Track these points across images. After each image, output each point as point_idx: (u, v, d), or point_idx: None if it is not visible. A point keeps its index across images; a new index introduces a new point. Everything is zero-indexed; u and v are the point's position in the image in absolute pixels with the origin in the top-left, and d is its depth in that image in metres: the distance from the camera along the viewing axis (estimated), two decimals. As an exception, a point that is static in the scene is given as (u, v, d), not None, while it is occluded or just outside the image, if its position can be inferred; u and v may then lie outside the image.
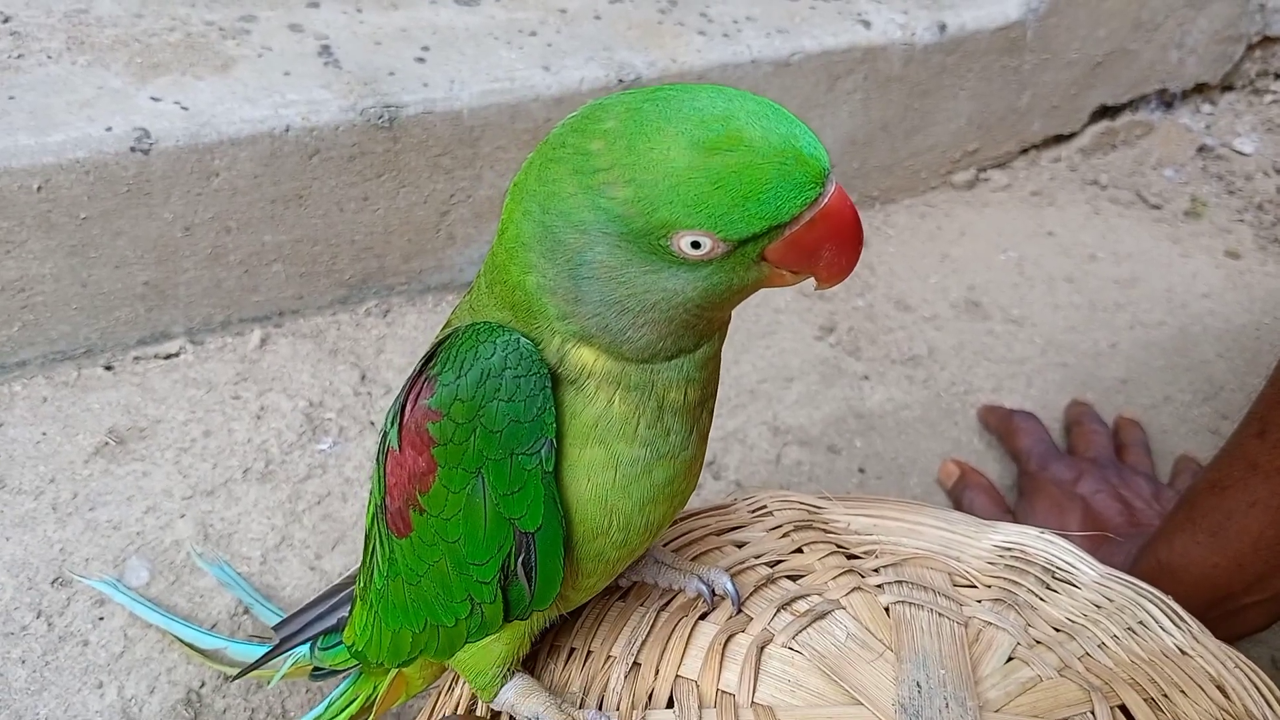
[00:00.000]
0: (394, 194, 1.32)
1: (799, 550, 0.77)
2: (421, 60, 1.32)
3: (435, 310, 1.42)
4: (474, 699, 0.73)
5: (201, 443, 1.20)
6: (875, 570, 0.75)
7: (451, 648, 0.66)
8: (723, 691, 0.66)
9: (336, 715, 0.84)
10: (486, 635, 0.65)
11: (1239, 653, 0.75)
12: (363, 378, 1.31)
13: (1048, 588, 0.76)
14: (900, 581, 0.74)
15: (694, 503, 0.87)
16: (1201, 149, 1.98)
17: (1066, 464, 1.24)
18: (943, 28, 1.59)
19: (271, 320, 1.35)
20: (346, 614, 0.80)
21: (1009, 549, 0.78)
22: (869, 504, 0.82)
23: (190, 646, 0.99)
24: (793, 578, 0.75)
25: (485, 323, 0.58)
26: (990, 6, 1.65)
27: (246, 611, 1.06)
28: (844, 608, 0.71)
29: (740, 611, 0.72)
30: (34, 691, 0.97)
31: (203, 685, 1.00)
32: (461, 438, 0.57)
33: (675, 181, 0.49)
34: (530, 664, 0.72)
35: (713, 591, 0.73)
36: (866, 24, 1.56)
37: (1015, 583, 0.76)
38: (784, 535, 0.78)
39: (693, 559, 0.77)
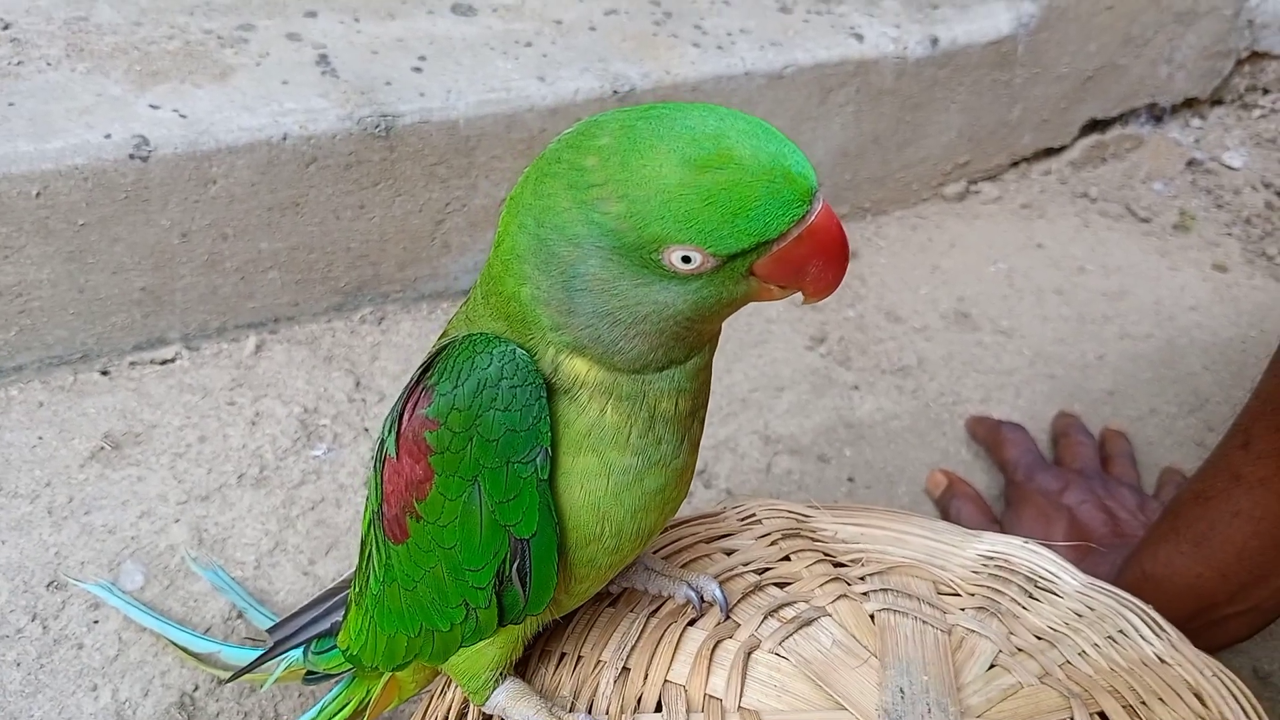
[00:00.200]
0: (390, 202, 1.33)
1: (787, 558, 0.79)
2: (418, 70, 1.34)
3: (430, 318, 1.43)
4: (465, 703, 0.74)
5: (196, 448, 1.21)
6: (861, 578, 0.77)
7: (446, 652, 0.67)
8: (710, 696, 0.67)
9: (330, 719, 0.85)
10: (481, 639, 0.67)
11: (1218, 662, 0.76)
12: (357, 384, 1.32)
13: (1030, 597, 0.77)
14: (885, 589, 0.75)
15: (685, 511, 0.88)
16: (1191, 163, 2.00)
17: (1053, 475, 1.25)
18: (934, 41, 1.61)
19: (267, 327, 1.36)
20: (340, 619, 0.81)
21: (993, 558, 0.80)
22: (856, 513, 0.83)
23: (184, 650, 1.00)
24: (780, 585, 0.76)
25: (481, 334, 0.59)
26: (982, 21, 1.67)
27: (240, 616, 1.07)
28: (830, 615, 0.73)
29: (728, 618, 0.73)
30: (29, 694, 0.98)
31: (196, 689, 1.01)
32: (458, 446, 0.58)
33: (667, 198, 0.51)
34: (522, 669, 0.73)
35: (701, 598, 0.74)
36: (859, 37, 1.57)
37: (998, 591, 0.77)
38: (772, 543, 0.80)
39: (682, 566, 0.78)
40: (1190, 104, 2.06)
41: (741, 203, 0.51)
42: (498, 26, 1.45)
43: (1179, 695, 0.70)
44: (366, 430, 1.27)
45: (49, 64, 1.25)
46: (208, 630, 1.05)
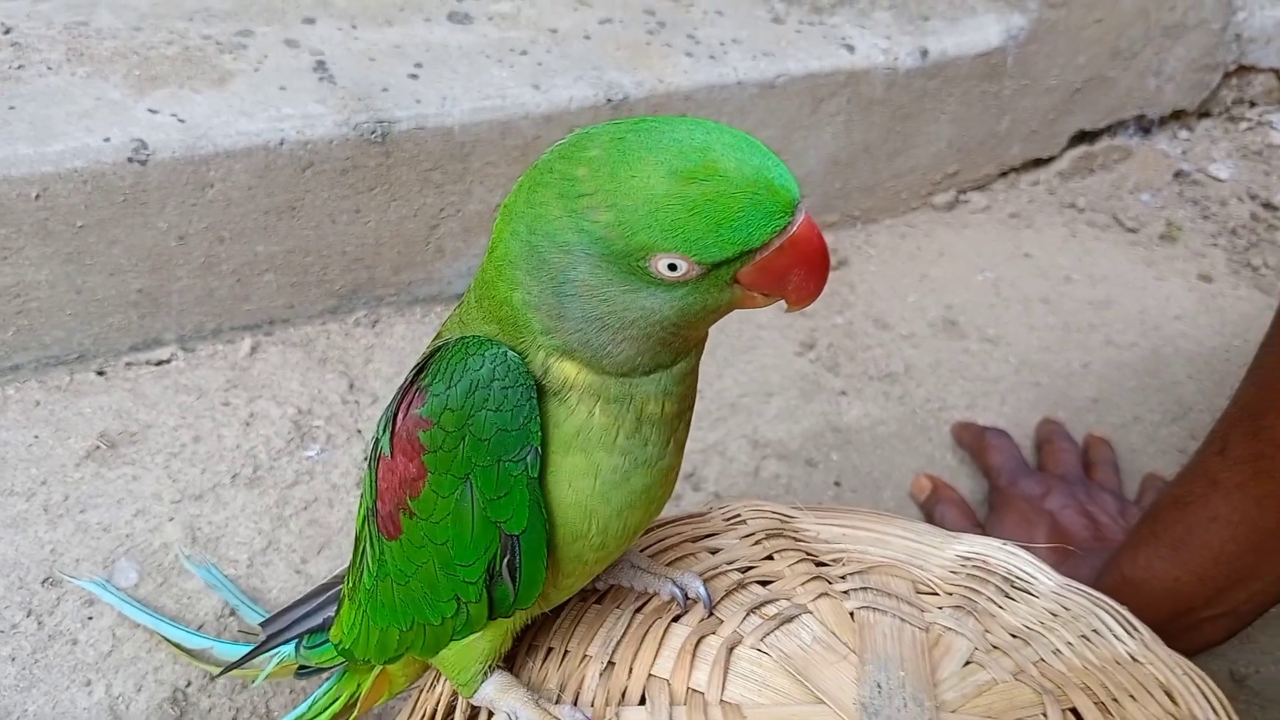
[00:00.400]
0: (385, 207, 1.35)
1: (770, 557, 0.80)
2: (414, 77, 1.36)
3: (423, 321, 1.45)
4: (454, 697, 0.75)
5: (191, 448, 1.22)
6: (842, 577, 0.78)
7: (437, 645, 0.69)
8: (693, 690, 0.69)
9: (320, 713, 0.86)
10: (471, 633, 0.68)
11: (1189, 661, 0.78)
12: (351, 386, 1.33)
13: (1007, 596, 0.79)
14: (865, 588, 0.77)
15: (672, 511, 0.90)
16: (1178, 174, 2.02)
17: (1036, 480, 1.27)
18: (924, 53, 1.63)
19: (262, 329, 1.37)
20: (332, 614, 0.82)
21: (970, 559, 0.82)
22: (838, 514, 0.85)
23: (177, 646, 1.01)
24: (763, 583, 0.78)
25: (474, 336, 0.61)
26: (971, 33, 1.69)
27: (233, 613, 1.08)
28: (811, 612, 0.74)
29: (712, 614, 0.75)
30: (23, 688, 0.99)
31: (189, 684, 1.02)
32: (451, 445, 0.60)
33: (654, 207, 0.52)
34: (510, 662, 0.75)
35: (686, 595, 0.76)
36: (850, 48, 1.59)
37: (976, 591, 0.79)
38: (756, 543, 0.82)
39: (668, 564, 0.80)
40: (1178, 116, 2.09)
41: (726, 213, 0.53)
42: (493, 34, 1.46)
43: (1150, 693, 0.72)
44: (359, 432, 1.28)
45: (49, 68, 1.26)
46: (201, 627, 1.06)
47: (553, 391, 0.61)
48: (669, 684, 0.69)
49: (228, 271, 1.30)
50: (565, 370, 0.60)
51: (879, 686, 0.68)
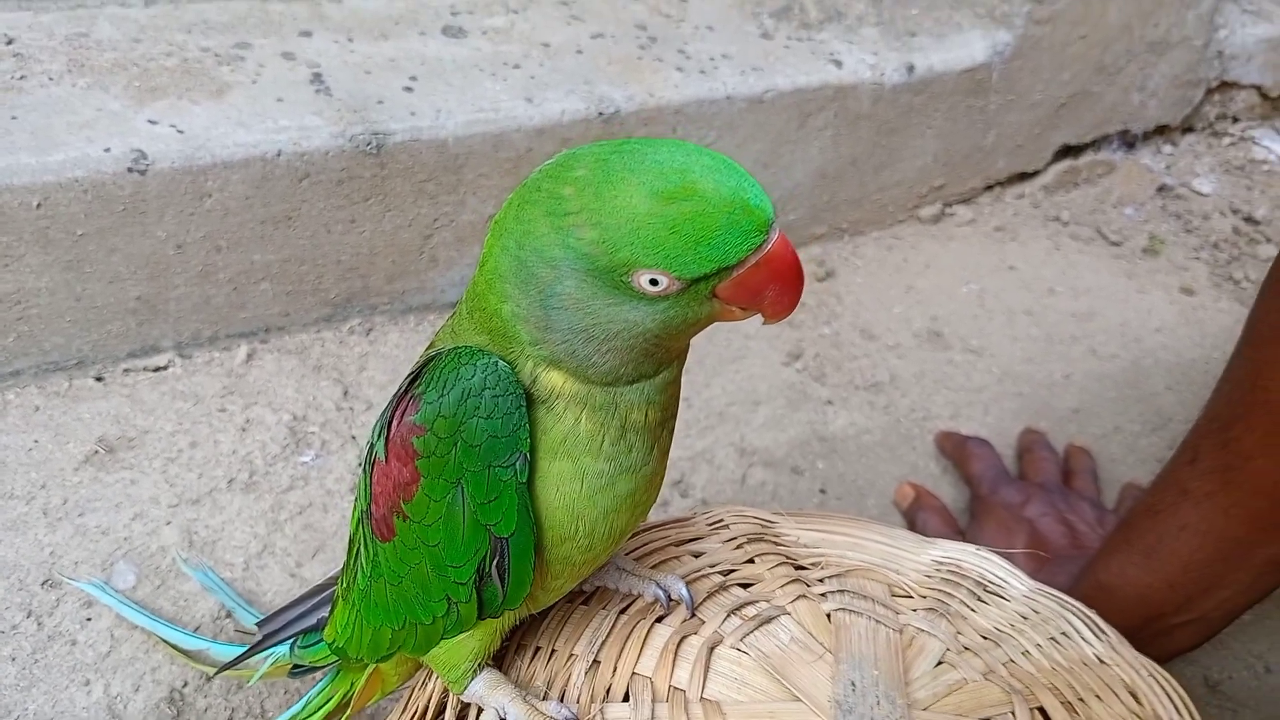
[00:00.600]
0: (380, 217, 1.37)
1: (751, 561, 0.83)
2: (409, 90, 1.38)
3: (417, 330, 1.47)
4: (444, 695, 0.78)
5: (188, 453, 1.25)
6: (820, 580, 0.81)
7: (428, 644, 0.72)
8: (675, 688, 0.71)
9: (315, 712, 0.88)
10: (461, 632, 0.71)
11: (1154, 663, 0.81)
12: (345, 393, 1.36)
13: (979, 600, 0.82)
14: (842, 591, 0.80)
15: (659, 516, 0.93)
16: (1161, 188, 2.05)
17: (1016, 488, 1.30)
18: (911, 69, 1.66)
19: (258, 336, 1.40)
20: (325, 615, 0.85)
21: (944, 563, 0.84)
22: (818, 519, 0.88)
23: (174, 647, 1.03)
24: (744, 585, 0.81)
25: (466, 347, 0.63)
26: (957, 49, 1.72)
27: (229, 615, 1.10)
28: (789, 613, 0.77)
29: (694, 615, 0.77)
30: (23, 688, 1.02)
31: (185, 685, 1.04)
32: (443, 451, 0.62)
33: (636, 226, 0.55)
34: (499, 661, 0.77)
35: (669, 597, 0.78)
36: (838, 64, 1.62)
37: (949, 594, 0.81)
38: (738, 547, 0.84)
39: (652, 567, 0.82)
40: (1162, 131, 2.12)
41: (704, 232, 0.55)
42: (487, 48, 1.49)
43: (1115, 693, 0.75)
44: (353, 438, 1.31)
45: (51, 79, 1.28)
46: (197, 629, 1.08)
47: (541, 400, 0.63)
48: (652, 682, 0.72)
49: (225, 280, 1.33)
50: (553, 379, 0.63)
51: (853, 685, 0.70)
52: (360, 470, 0.71)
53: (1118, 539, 1.07)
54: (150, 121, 1.25)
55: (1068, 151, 1.99)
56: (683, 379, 0.69)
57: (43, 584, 1.09)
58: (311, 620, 0.87)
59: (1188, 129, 2.16)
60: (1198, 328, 1.75)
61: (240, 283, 1.34)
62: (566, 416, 0.64)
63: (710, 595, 0.79)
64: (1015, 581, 0.84)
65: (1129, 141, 2.07)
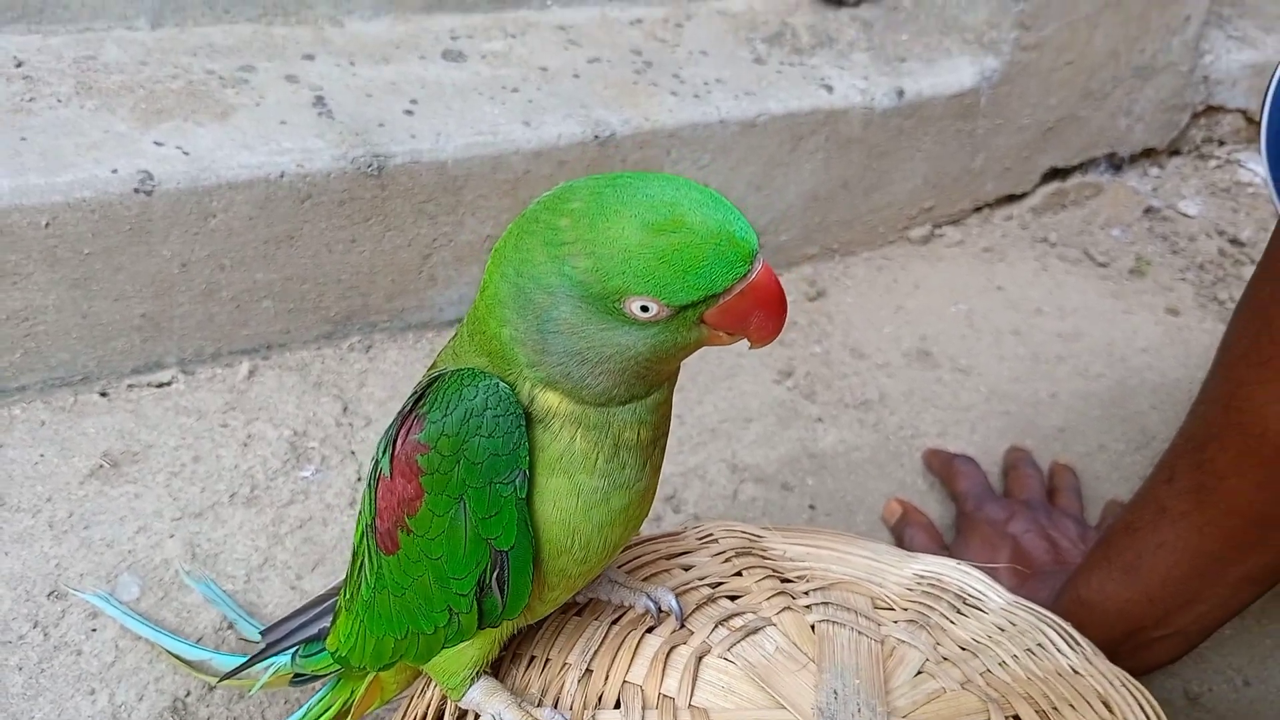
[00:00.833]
0: (380, 237, 1.40)
1: (739, 574, 0.86)
2: (410, 113, 1.41)
3: (415, 347, 1.50)
4: (443, 702, 0.80)
5: (191, 467, 1.27)
6: (805, 593, 0.84)
7: (429, 652, 0.75)
8: (664, 695, 0.74)
9: (316, 719, 0.91)
10: (461, 641, 0.74)
11: (1127, 674, 0.84)
12: (345, 410, 1.39)
13: (958, 612, 0.85)
14: (826, 603, 0.82)
15: (651, 531, 0.96)
16: (1148, 210, 2.09)
17: (1000, 505, 1.33)
18: (900, 93, 1.69)
19: (260, 353, 1.42)
20: (327, 625, 0.88)
21: (926, 577, 0.87)
22: (804, 534, 0.91)
23: (177, 658, 1.05)
24: (731, 598, 0.84)
25: (469, 369, 0.67)
26: (946, 75, 1.76)
27: (230, 626, 1.12)
28: (774, 624, 0.80)
29: (683, 626, 0.80)
30: (30, 696, 1.04)
31: (188, 694, 1.07)
32: (447, 468, 0.66)
33: (628, 256, 0.59)
34: (495, 670, 0.80)
35: (659, 608, 0.81)
36: (829, 89, 1.66)
37: (929, 607, 0.84)
38: (726, 560, 0.87)
39: (644, 580, 0.85)
40: (1148, 154, 2.15)
41: (691, 261, 0.59)
42: (486, 73, 1.52)
43: (1088, 703, 0.78)
44: (353, 453, 1.33)
45: (59, 101, 1.31)
46: (199, 640, 1.11)
47: (538, 419, 0.67)
48: (642, 690, 0.75)
49: (228, 298, 1.35)
50: (549, 400, 0.66)
51: (835, 693, 0.73)
52: (365, 486, 0.74)
53: (1098, 555, 1.10)
54: (156, 143, 1.27)
55: (1055, 174, 2.02)
56: (675, 396, 0.72)
57: (49, 595, 1.12)
58: (313, 630, 0.90)
59: (1174, 152, 2.20)
60: (1183, 348, 1.78)
61: (243, 301, 1.37)
62: (562, 435, 0.67)
63: (699, 607, 0.82)
64: (994, 595, 0.87)
65: (1116, 164, 2.11)
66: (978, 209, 1.96)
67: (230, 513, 1.23)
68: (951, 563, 0.90)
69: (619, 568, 0.87)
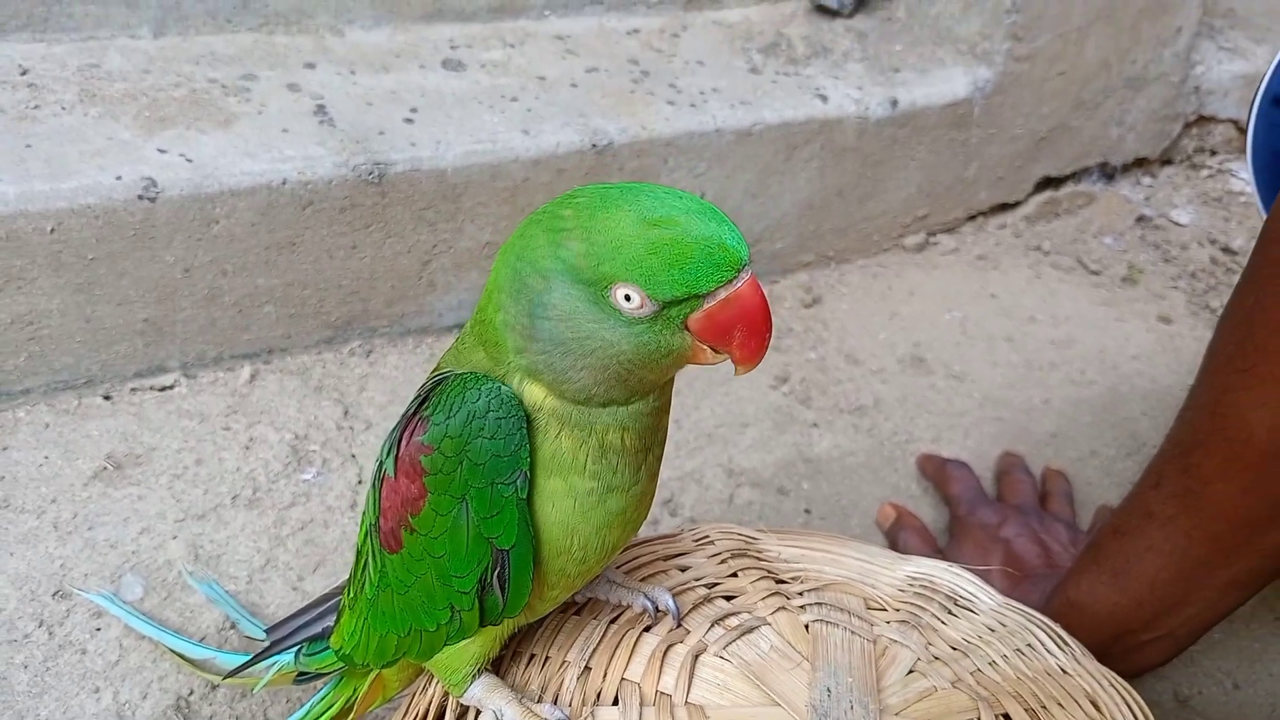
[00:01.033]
0: (380, 244, 1.42)
1: (734, 575, 0.88)
2: (410, 121, 1.43)
3: (415, 352, 1.52)
4: (444, 699, 0.82)
5: (194, 470, 1.29)
6: (800, 593, 0.86)
7: (432, 650, 0.76)
8: (661, 693, 0.76)
9: (319, 716, 0.92)
10: (463, 638, 0.76)
11: (1115, 674, 0.85)
12: (345, 413, 1.40)
13: (949, 613, 0.87)
14: (820, 603, 0.84)
15: (649, 533, 0.97)
16: (1140, 219, 2.10)
17: (993, 510, 1.34)
18: (894, 103, 1.71)
19: (261, 357, 1.44)
20: (330, 624, 0.89)
21: (918, 579, 0.89)
22: (799, 536, 0.93)
23: (180, 656, 1.07)
24: (727, 598, 0.86)
25: (472, 373, 0.68)
26: (940, 85, 1.78)
27: (233, 626, 1.14)
28: (769, 624, 0.82)
29: (680, 625, 0.82)
30: (35, 695, 1.05)
31: (191, 693, 1.08)
32: (450, 469, 0.67)
33: (620, 243, 0.61)
34: (496, 667, 0.82)
35: (656, 608, 0.83)
36: (824, 98, 1.68)
37: (921, 607, 0.86)
38: (722, 561, 0.89)
39: (641, 580, 0.87)
40: (1141, 163, 2.17)
41: (679, 257, 0.61)
42: (485, 82, 1.54)
43: (1077, 702, 0.79)
44: (353, 456, 1.35)
45: (63, 108, 1.32)
46: (203, 639, 1.12)
47: (527, 415, 0.68)
48: (640, 687, 0.76)
49: (230, 303, 1.37)
50: (534, 393, 0.68)
51: (829, 691, 0.75)
52: (369, 486, 0.76)
53: (1087, 559, 1.12)
54: (160, 150, 1.29)
55: (1048, 183, 2.04)
56: (674, 401, 0.74)
57: (54, 595, 1.13)
58: (316, 629, 0.92)
59: (1166, 161, 2.22)
60: (1174, 355, 1.80)
61: (245, 306, 1.38)
62: (549, 432, 0.69)
63: (695, 607, 0.84)
64: (985, 596, 0.89)
65: (1108, 173, 2.13)
66: (971, 217, 1.98)
67: (232, 515, 1.25)
68: (943, 565, 0.91)
69: (617, 568, 0.89)
